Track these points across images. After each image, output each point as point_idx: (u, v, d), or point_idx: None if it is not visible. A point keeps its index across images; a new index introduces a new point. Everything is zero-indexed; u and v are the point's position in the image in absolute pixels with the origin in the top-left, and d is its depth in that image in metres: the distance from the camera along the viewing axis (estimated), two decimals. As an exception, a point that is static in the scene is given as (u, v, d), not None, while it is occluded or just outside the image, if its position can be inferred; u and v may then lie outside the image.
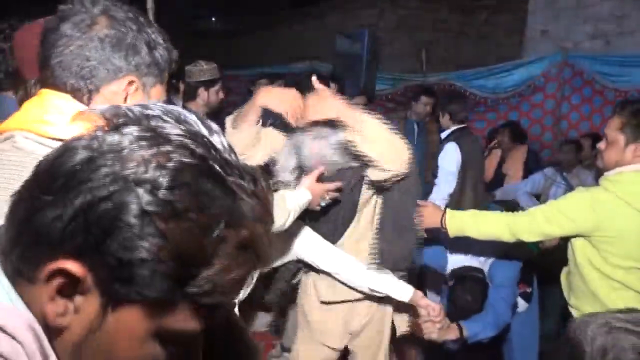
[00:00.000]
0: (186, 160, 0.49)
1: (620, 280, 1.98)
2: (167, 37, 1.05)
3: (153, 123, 0.52)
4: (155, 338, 0.53)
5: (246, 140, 1.86)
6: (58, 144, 0.54)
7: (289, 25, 9.26)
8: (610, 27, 5.35)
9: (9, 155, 0.93)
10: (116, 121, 0.52)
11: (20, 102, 1.28)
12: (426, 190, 3.47)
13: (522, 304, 2.68)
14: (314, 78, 1.93)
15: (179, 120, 0.52)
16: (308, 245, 2.04)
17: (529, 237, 2.08)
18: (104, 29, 0.96)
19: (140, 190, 0.47)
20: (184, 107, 1.75)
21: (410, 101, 4.81)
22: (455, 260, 2.53)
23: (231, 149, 0.54)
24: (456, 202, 3.46)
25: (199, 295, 0.50)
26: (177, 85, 3.41)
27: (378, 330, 2.27)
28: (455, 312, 2.35)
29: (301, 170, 1.97)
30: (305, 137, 1.91)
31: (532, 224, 2.06)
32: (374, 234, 2.08)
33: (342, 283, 2.10)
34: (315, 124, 1.87)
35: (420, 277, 2.98)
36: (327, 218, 2.10)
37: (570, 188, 3.81)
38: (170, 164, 0.48)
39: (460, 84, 5.75)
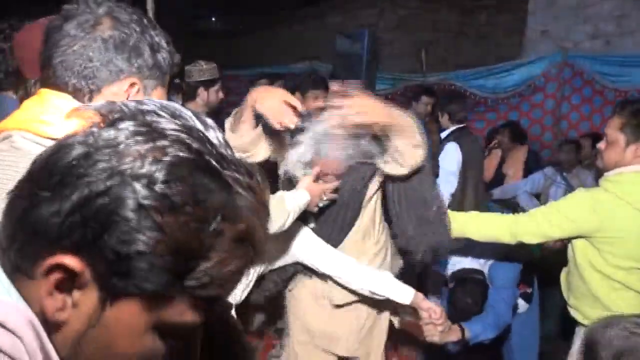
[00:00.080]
0: (182, 154, 0.50)
1: (621, 281, 1.98)
2: (170, 41, 1.05)
3: (148, 118, 0.52)
4: (154, 331, 0.53)
5: (247, 142, 1.86)
6: None
7: (289, 25, 9.25)
8: (610, 27, 5.35)
9: (6, 156, 0.93)
10: (112, 117, 0.52)
11: (21, 102, 1.28)
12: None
13: (522, 305, 2.67)
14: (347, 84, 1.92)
15: (174, 116, 0.53)
16: (308, 248, 2.03)
17: (530, 238, 2.07)
18: (108, 30, 0.96)
19: (137, 185, 0.47)
20: (183, 106, 1.75)
21: (411, 101, 4.80)
22: (456, 262, 2.53)
23: (227, 144, 0.54)
24: (458, 202, 3.46)
25: (196, 288, 0.50)
26: (181, 85, 3.41)
27: (376, 333, 2.28)
28: (455, 314, 2.35)
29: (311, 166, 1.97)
30: (326, 130, 1.90)
31: (532, 226, 2.05)
32: (394, 223, 2.11)
33: (342, 286, 2.10)
34: (329, 114, 1.89)
35: (420, 279, 2.99)
36: (334, 218, 2.10)
37: (570, 188, 3.81)
38: (167, 158, 0.49)
39: (460, 84, 5.75)
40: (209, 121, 0.55)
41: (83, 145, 0.50)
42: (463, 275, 2.44)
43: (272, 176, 2.18)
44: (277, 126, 1.78)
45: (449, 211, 2.19)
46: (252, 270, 1.96)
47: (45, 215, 0.48)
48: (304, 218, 2.05)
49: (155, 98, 1.04)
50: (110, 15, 0.97)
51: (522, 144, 4.58)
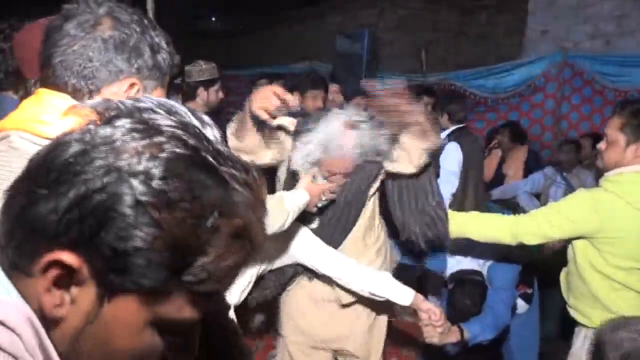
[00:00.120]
0: (179, 150, 0.50)
1: (621, 281, 1.98)
2: (170, 41, 1.05)
3: (145, 115, 0.52)
4: (153, 327, 0.53)
5: (250, 145, 1.87)
6: None
7: (289, 25, 9.25)
8: (610, 27, 5.35)
9: (3, 156, 0.92)
10: (108, 114, 0.52)
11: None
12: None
13: (522, 306, 2.67)
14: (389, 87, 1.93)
15: (170, 112, 0.53)
16: (308, 249, 2.03)
17: (531, 239, 2.07)
18: (108, 30, 0.96)
19: (134, 181, 0.48)
20: (183, 106, 1.75)
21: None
22: (455, 264, 2.53)
23: (223, 141, 0.54)
24: (459, 202, 3.46)
25: (194, 283, 0.51)
26: (181, 85, 3.41)
27: (376, 332, 2.28)
28: (454, 316, 2.35)
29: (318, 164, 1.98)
30: (341, 127, 1.91)
31: (533, 227, 2.05)
32: (396, 218, 2.14)
33: (342, 287, 2.10)
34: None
35: (420, 281, 2.99)
36: (338, 218, 2.11)
37: (570, 188, 3.81)
38: (163, 155, 0.49)
39: (460, 84, 5.75)
40: (206, 118, 0.55)
41: (80, 142, 0.50)
42: (462, 277, 2.43)
43: (270, 176, 2.18)
44: (263, 115, 1.77)
45: (449, 211, 2.20)
46: (251, 272, 1.96)
47: (43, 213, 0.49)
48: (306, 218, 2.06)
49: None
50: (110, 16, 0.97)
51: (522, 144, 4.58)
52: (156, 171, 0.48)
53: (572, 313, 2.16)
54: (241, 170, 0.53)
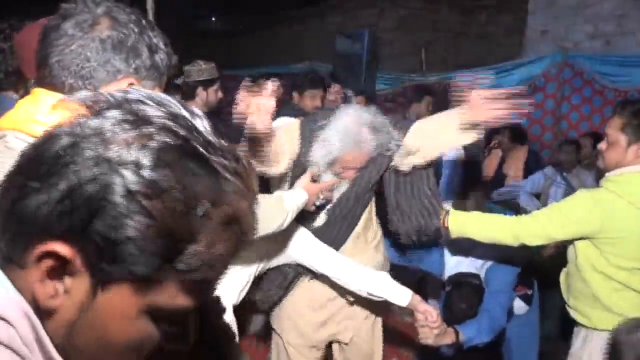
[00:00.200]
0: (169, 140, 0.50)
1: (623, 282, 1.98)
2: (168, 42, 1.05)
3: (134, 106, 0.52)
4: (147, 316, 0.53)
5: (266, 156, 1.84)
6: None
7: (289, 25, 9.25)
8: (610, 27, 5.34)
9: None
10: (97, 107, 0.53)
11: (21, 102, 1.28)
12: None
13: (522, 307, 2.67)
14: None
15: (160, 104, 0.53)
16: (306, 248, 2.03)
17: (532, 240, 2.06)
18: (106, 30, 0.96)
19: (125, 171, 0.48)
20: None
21: (412, 101, 4.79)
22: (453, 266, 2.53)
23: (213, 132, 0.55)
24: (460, 202, 3.45)
25: (186, 271, 0.51)
26: (182, 85, 3.41)
27: (376, 331, 2.29)
28: (450, 318, 2.36)
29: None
30: (356, 122, 1.93)
31: (535, 228, 2.04)
32: (393, 211, 2.15)
33: (340, 288, 2.10)
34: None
35: (420, 283, 2.99)
36: (345, 214, 2.12)
37: (570, 188, 3.81)
38: (153, 145, 0.49)
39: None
40: (196, 110, 0.56)
41: (70, 135, 0.50)
42: (459, 280, 2.43)
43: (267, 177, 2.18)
44: (259, 126, 1.65)
45: (451, 210, 2.20)
46: (249, 271, 1.96)
47: (35, 205, 0.49)
48: (312, 216, 2.06)
49: None
50: (108, 15, 0.97)
51: (522, 144, 4.58)
52: (146, 161, 0.48)
53: (572, 313, 2.16)
54: (231, 159, 0.53)
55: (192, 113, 0.54)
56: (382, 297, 2.01)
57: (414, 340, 2.58)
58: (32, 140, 0.90)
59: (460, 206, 2.83)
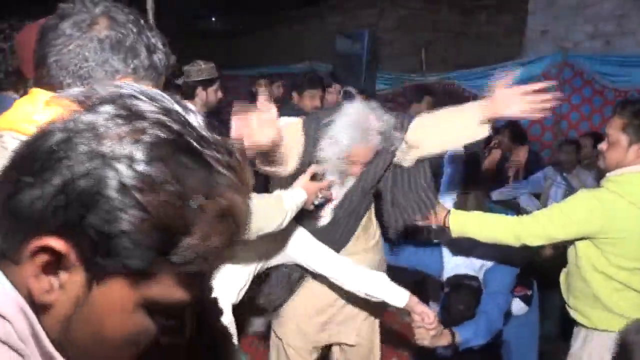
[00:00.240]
0: (162, 134, 0.50)
1: (623, 282, 1.97)
2: (166, 42, 1.05)
3: (128, 101, 0.53)
4: (144, 310, 0.53)
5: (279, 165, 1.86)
6: None
7: (289, 25, 9.26)
8: (610, 27, 5.34)
9: None
10: (90, 102, 0.53)
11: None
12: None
13: (522, 307, 2.66)
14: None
15: (153, 99, 0.54)
16: (304, 248, 2.04)
17: (534, 241, 2.06)
18: (104, 30, 0.96)
19: (118, 165, 0.48)
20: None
21: (412, 101, 4.79)
22: (451, 267, 2.53)
23: (207, 126, 0.55)
24: (462, 201, 3.44)
25: (181, 263, 0.51)
26: (182, 85, 3.41)
27: (375, 327, 2.30)
28: (448, 319, 2.36)
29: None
30: (362, 116, 1.95)
31: (536, 228, 2.04)
32: (386, 200, 2.17)
33: (340, 290, 2.10)
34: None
35: (420, 285, 2.99)
36: (353, 208, 2.13)
37: (570, 188, 3.81)
38: (147, 139, 0.50)
39: (460, 83, 5.75)
40: (189, 105, 0.56)
41: (63, 131, 0.50)
42: (458, 281, 2.43)
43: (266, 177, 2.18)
44: (265, 141, 1.61)
45: (452, 210, 2.20)
46: (248, 270, 1.96)
47: (29, 200, 0.49)
48: (319, 214, 2.07)
49: None
50: (106, 15, 0.96)
51: (522, 145, 4.58)
52: (140, 155, 0.49)
53: (572, 313, 2.15)
54: (224, 153, 0.54)
55: (185, 108, 0.55)
56: (379, 298, 2.02)
57: (405, 343, 2.59)
58: None
59: (461, 204, 2.83)
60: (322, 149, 1.97)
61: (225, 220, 0.53)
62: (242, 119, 1.57)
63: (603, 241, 1.97)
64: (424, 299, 3.10)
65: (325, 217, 2.12)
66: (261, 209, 1.70)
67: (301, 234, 2.04)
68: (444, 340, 2.10)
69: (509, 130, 4.56)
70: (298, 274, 2.15)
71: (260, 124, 1.56)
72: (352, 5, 8.01)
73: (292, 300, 2.21)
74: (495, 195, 4.11)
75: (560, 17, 5.69)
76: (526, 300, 2.67)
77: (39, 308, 0.52)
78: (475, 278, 2.43)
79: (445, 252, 2.56)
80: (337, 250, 2.11)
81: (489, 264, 2.46)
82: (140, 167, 0.48)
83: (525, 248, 2.13)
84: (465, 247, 2.45)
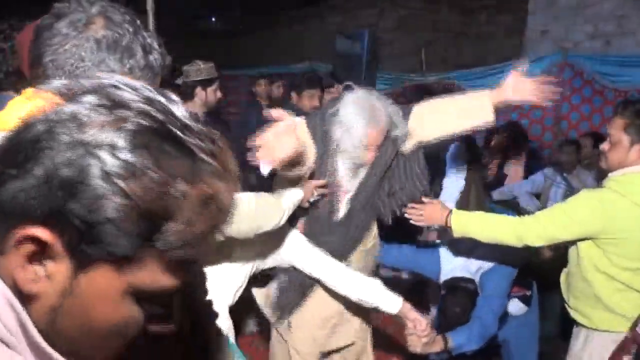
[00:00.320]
0: (145, 123, 0.51)
1: (626, 282, 1.97)
2: (162, 42, 1.05)
3: (110, 91, 0.53)
4: (131, 298, 0.54)
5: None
6: None
7: (289, 25, 9.25)
8: (610, 27, 5.34)
9: None
10: (73, 93, 0.53)
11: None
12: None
13: (521, 307, 2.66)
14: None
15: (136, 89, 0.54)
16: (299, 251, 2.03)
17: (536, 241, 2.05)
18: (101, 30, 0.95)
19: (101, 153, 0.49)
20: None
21: (412, 101, 4.79)
22: (448, 270, 2.53)
23: (191, 117, 0.55)
24: (463, 201, 3.45)
25: (166, 250, 0.51)
26: (181, 85, 3.41)
27: (367, 325, 2.31)
28: (444, 322, 2.36)
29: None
30: (369, 100, 1.98)
31: (539, 228, 2.03)
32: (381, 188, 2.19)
33: (340, 296, 2.10)
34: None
35: (421, 288, 2.99)
36: (364, 205, 2.15)
37: (570, 188, 3.81)
38: (129, 127, 0.50)
39: (460, 83, 5.74)
40: (174, 96, 0.56)
41: (45, 121, 0.51)
42: (454, 284, 2.43)
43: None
44: (289, 150, 1.68)
45: (454, 210, 2.20)
46: (245, 271, 1.96)
47: (13, 192, 0.50)
48: (333, 211, 2.07)
49: None
50: (103, 15, 0.96)
51: (522, 144, 4.57)
52: (122, 143, 0.49)
53: (573, 314, 2.15)
54: (207, 141, 0.54)
55: (168, 99, 0.55)
56: (373, 304, 2.02)
57: (397, 348, 2.60)
58: None
59: (463, 204, 2.82)
60: (337, 138, 1.97)
61: (209, 207, 0.53)
62: (261, 142, 1.61)
63: (605, 241, 1.97)
64: (425, 302, 3.11)
65: (341, 210, 2.10)
66: (260, 208, 1.70)
67: (296, 237, 2.04)
68: (437, 346, 2.11)
69: (510, 130, 4.56)
70: (310, 282, 2.15)
71: (278, 139, 1.62)
72: (352, 5, 8.00)
73: (304, 306, 2.20)
74: (495, 195, 4.11)
75: (560, 17, 5.69)
76: (525, 300, 2.67)
77: (26, 299, 0.52)
78: (471, 281, 2.43)
79: (443, 254, 2.56)
80: (353, 246, 2.10)
81: (485, 267, 2.46)
82: (123, 155, 0.49)
83: (523, 249, 2.12)
84: (464, 248, 2.45)
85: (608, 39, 5.35)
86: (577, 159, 4.15)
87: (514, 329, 2.65)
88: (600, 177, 2.10)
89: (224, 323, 1.79)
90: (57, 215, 0.49)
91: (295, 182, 1.98)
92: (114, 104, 0.51)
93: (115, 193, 0.48)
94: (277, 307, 2.18)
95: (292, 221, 2.01)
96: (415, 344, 2.04)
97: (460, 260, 2.51)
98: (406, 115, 2.07)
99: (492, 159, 4.57)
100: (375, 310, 2.11)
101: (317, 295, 2.19)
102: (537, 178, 4.15)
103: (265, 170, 1.87)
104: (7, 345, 0.50)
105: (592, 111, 5.08)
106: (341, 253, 2.13)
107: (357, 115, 1.94)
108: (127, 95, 0.53)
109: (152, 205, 0.49)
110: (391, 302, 2.00)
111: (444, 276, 2.51)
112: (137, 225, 0.49)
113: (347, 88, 2.13)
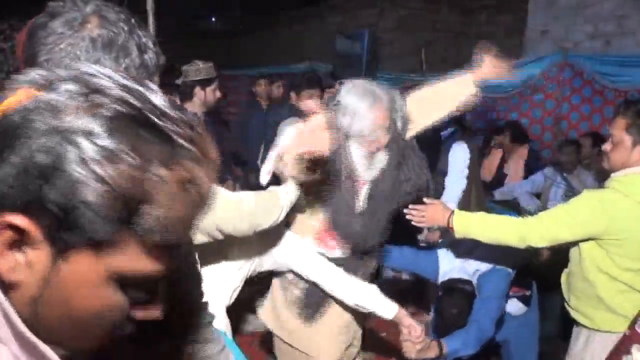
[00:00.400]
0: (121, 109, 0.51)
1: (628, 283, 1.96)
2: (156, 41, 1.05)
3: (87, 79, 0.53)
4: (114, 284, 0.54)
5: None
6: None
7: (289, 25, 9.25)
8: (610, 27, 5.34)
9: None
10: (50, 82, 0.53)
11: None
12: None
13: (520, 307, 2.66)
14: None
15: (113, 78, 0.54)
16: (296, 255, 2.02)
17: (538, 242, 2.04)
18: (96, 29, 0.95)
19: (77, 139, 0.49)
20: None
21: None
22: (445, 272, 2.53)
23: (170, 105, 0.55)
24: (465, 201, 3.45)
25: (145, 234, 0.51)
26: (181, 85, 3.41)
27: (356, 347, 2.32)
28: (442, 324, 2.36)
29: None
30: (363, 84, 2.00)
31: (541, 229, 2.03)
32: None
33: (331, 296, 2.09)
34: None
35: (421, 289, 2.98)
36: (387, 195, 2.12)
37: (570, 188, 3.81)
38: (105, 112, 0.50)
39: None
40: (152, 85, 0.56)
41: (22, 110, 0.51)
42: (452, 285, 2.43)
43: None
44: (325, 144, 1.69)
45: (455, 210, 2.19)
46: (242, 272, 1.95)
47: None
48: (351, 208, 2.05)
49: None
50: (98, 14, 0.96)
51: (522, 144, 4.58)
52: (99, 129, 0.49)
53: (573, 314, 2.15)
54: (186, 127, 0.54)
55: (147, 87, 0.55)
56: (369, 309, 2.02)
57: (392, 353, 2.60)
58: None
59: (464, 204, 2.82)
60: (345, 126, 1.96)
61: (188, 191, 0.53)
62: (296, 135, 1.63)
63: (608, 242, 1.96)
64: (425, 303, 3.10)
65: (361, 201, 2.08)
66: (259, 206, 1.70)
67: (293, 240, 2.03)
68: (431, 353, 2.11)
69: (510, 130, 4.57)
70: (321, 296, 2.14)
71: (312, 134, 1.62)
72: (352, 5, 8.01)
73: (324, 313, 2.17)
74: (496, 195, 4.11)
75: (560, 17, 5.69)
76: (525, 300, 2.67)
77: (7, 288, 0.52)
78: (468, 282, 2.42)
79: (441, 255, 2.56)
80: (377, 238, 2.08)
81: (483, 268, 2.46)
82: (99, 141, 0.49)
83: (523, 251, 2.12)
84: (462, 249, 2.45)
85: (608, 39, 5.35)
86: (577, 159, 4.15)
87: (514, 329, 2.64)
88: (600, 177, 2.10)
89: (221, 322, 1.79)
90: (35, 202, 0.49)
91: (308, 187, 1.94)
92: (90, 91, 0.51)
93: (92, 178, 0.48)
94: (305, 306, 2.14)
95: (287, 224, 2.00)
96: (410, 350, 2.04)
97: (458, 262, 2.50)
98: (404, 102, 2.12)
99: (495, 147, 4.59)
100: (371, 315, 2.10)
101: (337, 304, 2.16)
102: (537, 178, 4.15)
103: (264, 180, 1.86)
104: None
105: (592, 111, 5.08)
106: (364, 246, 2.10)
107: (360, 100, 1.94)
108: (104, 82, 0.53)
109: (130, 190, 0.50)
110: (387, 308, 1.99)
111: (442, 277, 2.51)
112: (115, 210, 0.49)
113: (342, 84, 2.13)
